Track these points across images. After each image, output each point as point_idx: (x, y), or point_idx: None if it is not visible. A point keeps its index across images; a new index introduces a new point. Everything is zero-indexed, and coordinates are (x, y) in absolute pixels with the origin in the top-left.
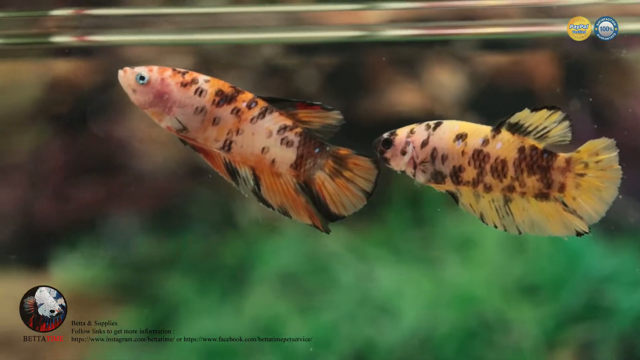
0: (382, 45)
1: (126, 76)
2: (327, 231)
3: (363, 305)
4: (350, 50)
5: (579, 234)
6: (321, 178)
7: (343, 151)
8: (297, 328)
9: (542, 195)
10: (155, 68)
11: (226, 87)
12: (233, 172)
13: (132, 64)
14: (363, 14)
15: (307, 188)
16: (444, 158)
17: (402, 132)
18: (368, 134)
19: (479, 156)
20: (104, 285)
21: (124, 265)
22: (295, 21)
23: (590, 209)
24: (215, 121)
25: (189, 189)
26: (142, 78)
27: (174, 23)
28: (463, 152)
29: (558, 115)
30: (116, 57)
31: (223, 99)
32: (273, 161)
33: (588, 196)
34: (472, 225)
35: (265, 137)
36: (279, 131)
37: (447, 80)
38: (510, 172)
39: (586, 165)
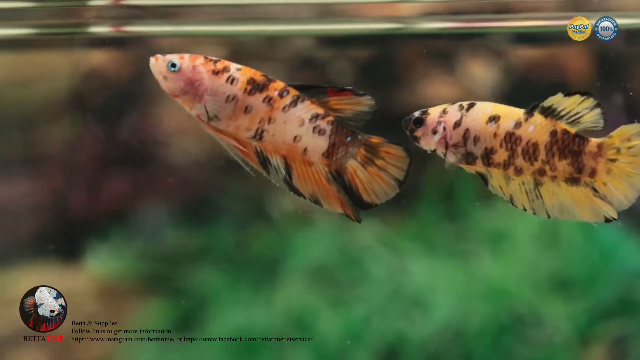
0: (416, 38)
1: (157, 63)
2: (359, 220)
3: (395, 299)
4: (384, 42)
5: (607, 220)
6: (353, 166)
7: (375, 139)
8: (328, 321)
9: (573, 180)
10: (186, 56)
11: (258, 75)
12: (264, 161)
13: (165, 53)
14: (397, 6)
15: (339, 177)
16: (476, 139)
17: (434, 112)
18: (401, 126)
19: (510, 138)
20: (135, 276)
21: (155, 257)
22: (329, 13)
23: (621, 194)
24: (247, 110)
25: (221, 181)
26: (173, 65)
27: (207, 14)
28: (495, 134)
29: (590, 101)
30: (149, 47)
31: (255, 87)
32: (305, 150)
33: (619, 182)
34: (505, 219)
35: (297, 125)
36: (310, 119)
37: (481, 73)
38: (542, 155)
39: (618, 150)
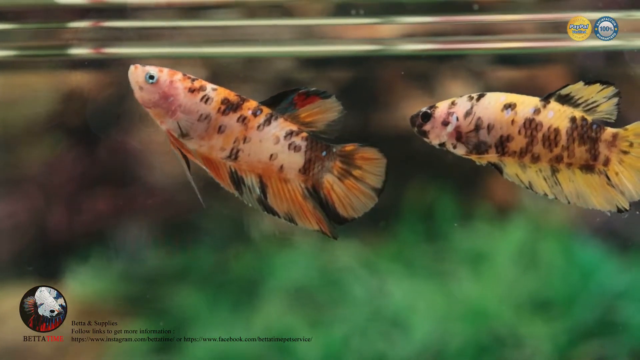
0: (396, 60)
1: (136, 72)
2: (335, 237)
3: (375, 320)
4: (364, 64)
5: (619, 211)
6: (329, 181)
7: (349, 147)
8: (308, 342)
9: (588, 168)
10: (165, 70)
11: (232, 95)
12: (238, 182)
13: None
14: (377, 27)
15: (315, 192)
16: (490, 128)
17: (442, 105)
18: (382, 147)
19: (530, 125)
20: (115, 297)
21: (135, 279)
22: (309, 34)
23: (631, 186)
24: (220, 129)
25: (200, 202)
26: (151, 77)
27: (188, 35)
28: (513, 121)
29: (610, 90)
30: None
31: (229, 107)
32: (281, 167)
33: (630, 173)
34: (485, 240)
35: (272, 143)
36: (285, 137)
37: (461, 94)
38: (563, 140)
39: (631, 144)
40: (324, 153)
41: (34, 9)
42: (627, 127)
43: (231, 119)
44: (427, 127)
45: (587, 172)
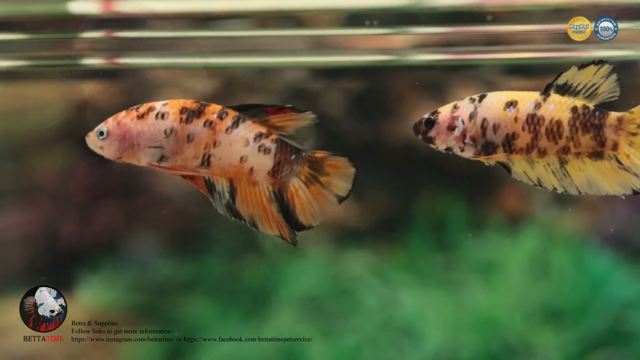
0: (408, 70)
1: (91, 139)
2: (295, 243)
3: (386, 329)
4: (376, 74)
5: (635, 193)
6: (295, 185)
7: (319, 154)
8: (319, 352)
9: (597, 154)
10: (109, 118)
11: (189, 103)
12: (210, 188)
13: (157, 86)
14: (389, 38)
15: (280, 196)
16: (495, 127)
17: (445, 109)
18: (393, 157)
19: (533, 120)
20: (126, 307)
21: (146, 288)
22: (321, 45)
23: None
24: (189, 138)
25: (211, 212)
26: (101, 133)
27: (200, 46)
28: (516, 119)
29: (606, 68)
30: (141, 79)
31: (190, 114)
32: (251, 170)
33: None
34: (496, 249)
35: (242, 145)
36: (255, 139)
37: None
38: (566, 132)
39: (639, 126)
40: (293, 156)
41: (44, 19)
42: (633, 109)
43: (197, 126)
44: (432, 133)
45: (597, 159)
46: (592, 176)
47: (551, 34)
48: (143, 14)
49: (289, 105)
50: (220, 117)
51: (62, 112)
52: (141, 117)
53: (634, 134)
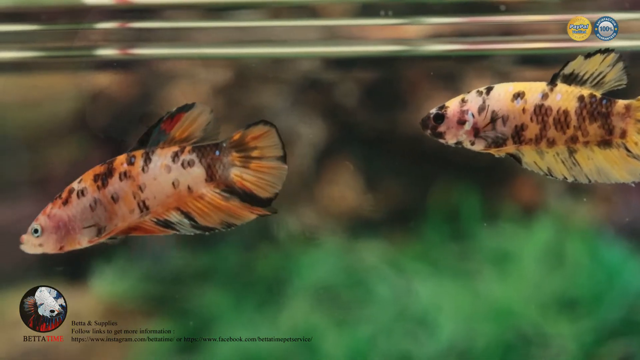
0: (422, 60)
1: (27, 242)
2: (275, 211)
3: (401, 319)
4: (389, 64)
5: None
6: (237, 174)
7: (236, 135)
8: (334, 342)
9: (605, 143)
10: (39, 215)
11: (97, 168)
12: (166, 224)
13: (170, 77)
14: (403, 28)
15: (231, 190)
16: (504, 119)
17: (453, 103)
18: (407, 148)
19: (540, 111)
20: (141, 297)
21: (161, 278)
22: (335, 35)
23: None
24: (114, 199)
25: None
26: (36, 231)
27: (214, 37)
28: (524, 110)
29: (612, 57)
30: (155, 70)
31: (103, 177)
32: (189, 188)
33: None
34: (511, 239)
35: (167, 173)
36: (174, 160)
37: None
38: (573, 121)
39: None
40: (217, 152)
41: (57, 9)
42: None
43: (114, 183)
44: (442, 128)
45: (605, 147)
46: (601, 164)
47: (564, 24)
48: (156, 4)
49: (176, 110)
50: (131, 162)
51: (77, 103)
52: (66, 202)
53: None
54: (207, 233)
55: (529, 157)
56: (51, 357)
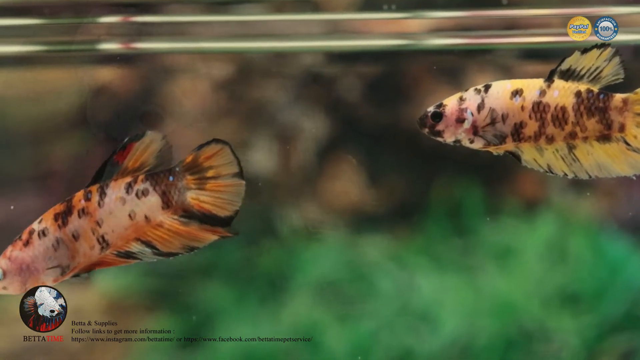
0: (424, 54)
1: None
2: (237, 233)
3: (403, 314)
4: (392, 58)
5: None
6: (193, 197)
7: (189, 158)
8: (336, 337)
9: (604, 137)
10: None
11: (57, 207)
12: (128, 255)
13: (173, 71)
14: (405, 22)
15: (190, 214)
16: (504, 117)
17: (451, 101)
18: (409, 142)
19: (538, 108)
20: (143, 292)
21: (163, 273)
22: (337, 29)
23: None
24: (75, 237)
25: None
26: (3, 274)
27: (216, 31)
28: (522, 107)
29: (609, 51)
30: (158, 64)
31: (63, 215)
32: (146, 217)
33: None
34: (513, 234)
35: (122, 205)
36: (127, 192)
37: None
38: (571, 117)
39: None
40: (171, 178)
41: (60, 3)
42: (637, 90)
43: (74, 221)
44: (440, 126)
45: (605, 141)
46: (601, 159)
47: (567, 18)
48: None
49: (127, 141)
50: (87, 198)
51: (79, 98)
52: (27, 243)
53: None
54: (170, 258)
55: (529, 154)
56: (53, 352)
